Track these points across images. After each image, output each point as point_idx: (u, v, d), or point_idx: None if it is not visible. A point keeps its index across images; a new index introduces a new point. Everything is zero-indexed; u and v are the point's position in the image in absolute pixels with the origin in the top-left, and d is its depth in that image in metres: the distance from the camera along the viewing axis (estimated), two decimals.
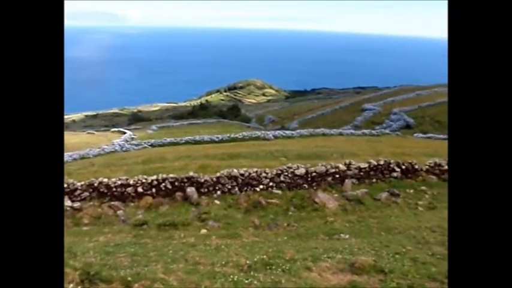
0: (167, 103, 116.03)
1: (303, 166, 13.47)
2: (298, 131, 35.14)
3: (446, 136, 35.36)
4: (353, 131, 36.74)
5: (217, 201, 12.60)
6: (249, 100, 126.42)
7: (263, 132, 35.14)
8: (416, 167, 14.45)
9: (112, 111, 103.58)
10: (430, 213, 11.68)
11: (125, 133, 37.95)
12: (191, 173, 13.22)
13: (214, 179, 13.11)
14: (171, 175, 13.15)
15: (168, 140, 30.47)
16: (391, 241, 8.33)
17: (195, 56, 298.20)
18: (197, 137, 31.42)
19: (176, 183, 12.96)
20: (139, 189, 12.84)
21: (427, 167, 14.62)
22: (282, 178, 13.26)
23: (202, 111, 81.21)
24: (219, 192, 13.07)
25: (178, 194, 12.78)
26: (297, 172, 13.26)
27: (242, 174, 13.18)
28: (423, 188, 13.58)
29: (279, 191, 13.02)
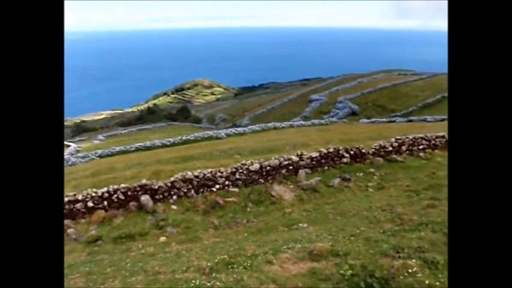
0: (113, 110, 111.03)
1: (257, 161, 13.59)
2: (249, 127, 35.38)
3: (388, 119, 37.57)
4: (303, 122, 37.76)
5: (174, 206, 12.33)
6: (198, 100, 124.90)
7: (215, 131, 34.93)
8: (364, 151, 15.19)
9: None
10: (379, 193, 12.36)
11: (69, 146, 35.72)
12: (144, 181, 12.79)
13: (169, 184, 12.80)
14: (123, 185, 12.63)
15: (117, 148, 29.18)
16: (346, 224, 8.70)
17: (137, 59, 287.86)
18: (148, 143, 30.45)
19: (129, 193, 12.47)
20: (90, 204, 12.19)
21: (373, 150, 15.42)
22: (237, 176, 13.28)
23: (150, 115, 78.77)
24: (175, 197, 12.79)
25: (133, 203, 12.32)
26: (252, 168, 13.36)
27: (197, 176, 13.01)
28: (371, 170, 14.33)
29: (236, 189, 13.04)
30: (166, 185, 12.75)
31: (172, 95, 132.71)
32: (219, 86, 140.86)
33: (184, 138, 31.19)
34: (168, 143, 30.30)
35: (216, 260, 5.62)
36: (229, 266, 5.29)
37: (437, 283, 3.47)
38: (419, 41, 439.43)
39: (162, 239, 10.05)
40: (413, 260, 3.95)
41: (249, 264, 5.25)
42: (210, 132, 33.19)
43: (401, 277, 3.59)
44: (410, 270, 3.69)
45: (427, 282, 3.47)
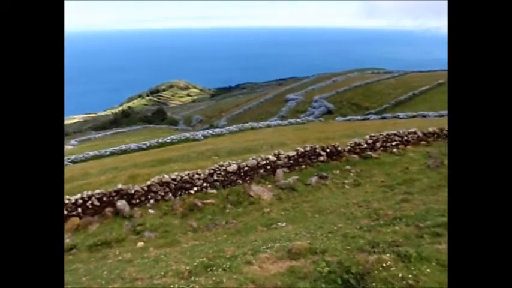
0: (86, 114, 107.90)
1: (234, 162, 13.56)
2: (227, 127, 35.31)
3: (363, 117, 38.40)
4: (280, 122, 38.04)
5: (151, 211, 12.12)
6: (174, 102, 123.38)
7: (192, 133, 34.64)
8: (340, 148, 15.45)
9: None
10: (355, 189, 12.62)
11: None
12: (120, 186, 12.50)
13: (146, 188, 12.57)
14: (98, 190, 12.29)
15: (91, 153, 28.43)
16: (324, 222, 8.83)
17: (111, 61, 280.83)
18: (123, 147, 29.83)
19: (104, 199, 12.16)
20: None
21: (348, 147, 15.71)
22: (215, 177, 13.21)
23: (125, 118, 77.11)
24: (152, 201, 12.58)
25: (108, 209, 12.02)
26: (230, 169, 13.32)
27: (174, 179, 12.84)
28: (347, 167, 14.60)
29: (214, 191, 12.97)
30: (143, 189, 12.52)
31: (148, 97, 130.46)
32: (195, 87, 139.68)
33: (160, 140, 30.77)
34: (144, 146, 29.79)
35: (195, 264, 5.57)
36: (209, 269, 5.26)
37: (410, 275, 3.58)
38: (389, 40, 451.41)
39: (140, 244, 9.86)
40: (388, 255, 4.06)
41: (228, 266, 5.23)
42: (187, 134, 32.90)
43: (376, 272, 3.68)
44: (384, 265, 3.79)
45: (400, 275, 3.58)
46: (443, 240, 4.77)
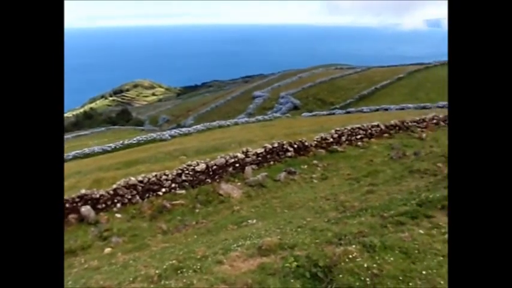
0: None
1: (203, 161, 13.43)
2: (194, 126, 34.92)
3: (328, 112, 39.26)
4: (247, 119, 38.10)
5: (118, 215, 11.75)
6: (138, 102, 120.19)
7: (159, 133, 33.94)
8: (307, 144, 15.71)
9: None
10: (323, 183, 12.90)
11: None
12: (83, 191, 12.01)
13: (111, 192, 12.17)
14: None
15: None
16: (293, 216, 8.96)
17: (72, 60, 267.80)
18: (86, 150, 28.71)
19: (67, 205, 11.63)
20: None
21: (315, 142, 16.02)
22: (183, 177, 13.02)
23: (87, 120, 74.25)
24: (118, 205, 12.20)
25: (72, 216, 11.51)
26: (198, 168, 13.18)
27: (141, 181, 12.52)
28: (315, 162, 14.88)
29: (183, 191, 12.78)
30: (108, 193, 12.11)
31: (111, 98, 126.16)
32: (160, 86, 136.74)
33: (126, 142, 29.92)
34: (109, 149, 28.85)
35: (165, 266, 5.46)
36: (179, 271, 5.17)
37: (374, 265, 3.71)
38: (352, 36, 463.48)
39: (107, 250, 9.53)
40: (353, 246, 4.18)
41: (198, 267, 5.17)
42: (154, 135, 32.20)
43: (342, 263, 3.78)
44: (350, 256, 3.90)
45: (365, 265, 3.70)
46: (406, 228, 4.98)
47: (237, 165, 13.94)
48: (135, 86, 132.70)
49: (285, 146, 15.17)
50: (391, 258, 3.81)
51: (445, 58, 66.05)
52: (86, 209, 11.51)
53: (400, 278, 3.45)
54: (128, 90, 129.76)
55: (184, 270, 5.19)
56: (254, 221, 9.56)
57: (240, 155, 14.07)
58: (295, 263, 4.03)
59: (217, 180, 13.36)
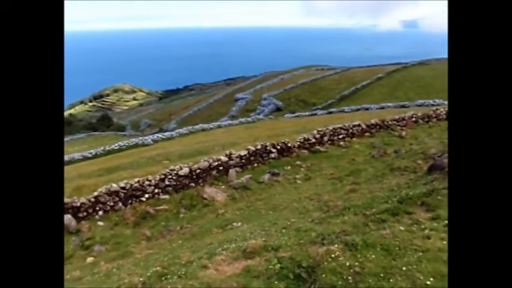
0: None
1: (186, 165, 13.33)
2: (177, 130, 34.63)
3: (310, 113, 39.61)
4: (230, 122, 38.05)
5: (100, 223, 11.54)
6: (119, 107, 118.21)
7: (141, 138, 33.49)
8: (290, 145, 15.82)
9: None
10: (307, 183, 13.00)
11: None
12: (64, 199, 11.74)
13: (93, 200, 11.94)
14: None
15: None
16: (278, 218, 8.99)
17: None
18: (66, 157, 28.02)
19: None
20: None
21: (298, 143, 16.14)
22: (167, 182, 12.89)
23: (67, 127, 72.26)
24: (101, 213, 11.97)
25: None
26: (181, 173, 13.07)
27: (123, 188, 12.33)
28: (298, 162, 15.00)
29: (167, 196, 12.65)
30: (89, 201, 11.87)
31: (90, 103, 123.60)
32: (141, 91, 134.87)
33: (107, 148, 29.39)
34: (90, 155, 28.26)
35: (149, 274, 5.38)
36: (163, 278, 5.11)
37: (356, 263, 3.77)
38: (330, 37, 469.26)
39: (90, 259, 9.34)
40: (336, 245, 4.24)
41: (183, 273, 5.13)
42: (136, 140, 31.75)
43: (325, 263, 3.83)
44: (333, 255, 3.95)
45: (347, 264, 3.75)
46: (387, 225, 5.07)
47: (221, 168, 13.90)
48: (116, 90, 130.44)
49: (268, 148, 15.22)
50: (373, 256, 3.88)
51: (421, 58, 67.73)
52: (66, 218, 11.25)
53: (381, 275, 3.51)
54: (108, 95, 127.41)
55: (168, 276, 5.14)
56: (239, 223, 9.55)
57: (224, 158, 14.04)
58: (279, 265, 4.05)
59: (201, 184, 13.28)
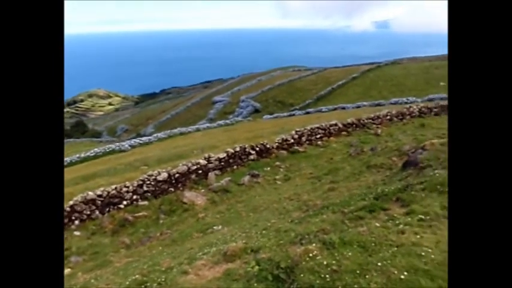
0: None
1: (164, 170, 13.16)
2: (155, 135, 34.12)
3: (288, 113, 39.92)
4: (209, 125, 37.84)
5: (77, 232, 11.22)
6: (94, 113, 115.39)
7: (117, 144, 32.78)
8: (268, 146, 15.89)
9: None
10: (286, 184, 13.10)
11: None
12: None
13: (68, 209, 11.60)
14: None
15: None
16: (258, 219, 9.02)
17: None
18: None
19: None
20: None
21: (277, 144, 16.24)
22: (145, 188, 12.69)
23: None
24: (77, 222, 11.65)
25: None
26: (160, 178, 12.90)
27: (100, 195, 12.04)
28: (277, 163, 15.08)
29: (145, 202, 12.45)
30: (65, 210, 11.52)
31: (64, 110, 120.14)
32: (116, 95, 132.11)
33: (82, 155, 28.60)
34: (65, 163, 27.38)
35: (128, 283, 5.29)
36: (143, 286, 5.03)
37: (334, 261, 3.84)
38: (305, 38, 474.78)
39: (66, 271, 9.05)
40: (314, 244, 4.30)
41: (163, 280, 5.06)
42: (112, 146, 31.04)
43: (303, 263, 3.87)
44: (311, 255, 4.01)
45: (325, 263, 3.81)
46: (364, 222, 5.18)
47: (200, 171, 13.81)
48: (90, 96, 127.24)
49: (247, 150, 15.24)
50: (350, 253, 3.96)
51: (393, 57, 69.52)
52: None
53: (358, 271, 3.59)
54: (82, 100, 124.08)
55: (148, 284, 5.06)
56: (219, 227, 9.52)
57: (203, 162, 13.95)
58: (257, 267, 4.06)
59: (181, 189, 13.15)
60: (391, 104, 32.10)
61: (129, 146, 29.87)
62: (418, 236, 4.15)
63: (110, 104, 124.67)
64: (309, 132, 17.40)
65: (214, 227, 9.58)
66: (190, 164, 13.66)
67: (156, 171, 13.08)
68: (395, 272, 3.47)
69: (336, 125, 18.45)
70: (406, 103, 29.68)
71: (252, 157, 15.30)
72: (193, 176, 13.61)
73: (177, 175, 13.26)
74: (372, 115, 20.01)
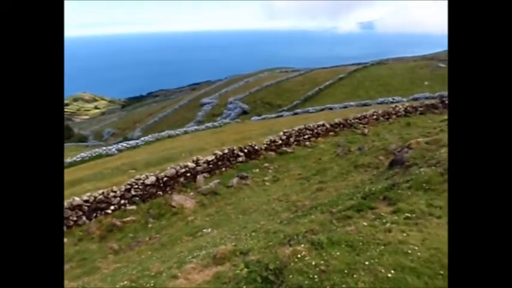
0: None
1: (152, 174, 13.05)
2: (142, 138, 33.76)
3: (276, 114, 40.02)
4: (197, 127, 37.66)
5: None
6: (80, 117, 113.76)
7: (104, 148, 32.31)
8: (257, 147, 15.90)
9: None
10: (275, 185, 13.13)
11: None
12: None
13: None
14: None
15: None
16: (248, 221, 9.01)
17: None
18: None
19: None
20: None
21: (265, 145, 16.27)
22: (133, 192, 12.55)
23: None
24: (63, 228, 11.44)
25: None
26: (148, 181, 12.78)
27: (87, 201, 11.86)
28: (266, 164, 15.10)
29: (134, 206, 12.31)
30: None
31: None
32: (102, 99, 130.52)
33: (68, 160, 28.11)
34: None
35: None
36: None
37: (322, 261, 3.86)
38: (292, 39, 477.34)
39: None
40: (302, 245, 4.32)
41: (152, 284, 5.02)
42: (99, 150, 30.61)
43: (292, 264, 3.89)
44: (299, 255, 4.03)
45: (313, 263, 3.84)
46: (352, 221, 5.23)
47: (189, 174, 13.73)
48: (75, 99, 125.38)
49: (235, 152, 15.22)
50: (338, 253, 3.99)
51: (379, 57, 70.42)
52: None
53: (345, 271, 3.62)
54: (67, 104, 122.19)
55: None
56: (209, 229, 9.48)
57: (191, 164, 13.88)
58: (246, 269, 4.06)
59: (169, 192, 13.05)
60: (378, 103, 32.49)
61: (116, 150, 29.51)
62: (405, 234, 4.21)
63: (95, 107, 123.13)
64: (297, 133, 17.49)
65: (204, 230, 9.53)
66: (178, 167, 13.57)
67: (144, 175, 12.95)
68: (383, 270, 3.51)
69: (323, 125, 18.58)
70: (392, 103, 30.09)
71: (240, 159, 15.29)
72: (181, 179, 13.53)
73: (165, 178, 13.15)
74: (359, 115, 20.22)
